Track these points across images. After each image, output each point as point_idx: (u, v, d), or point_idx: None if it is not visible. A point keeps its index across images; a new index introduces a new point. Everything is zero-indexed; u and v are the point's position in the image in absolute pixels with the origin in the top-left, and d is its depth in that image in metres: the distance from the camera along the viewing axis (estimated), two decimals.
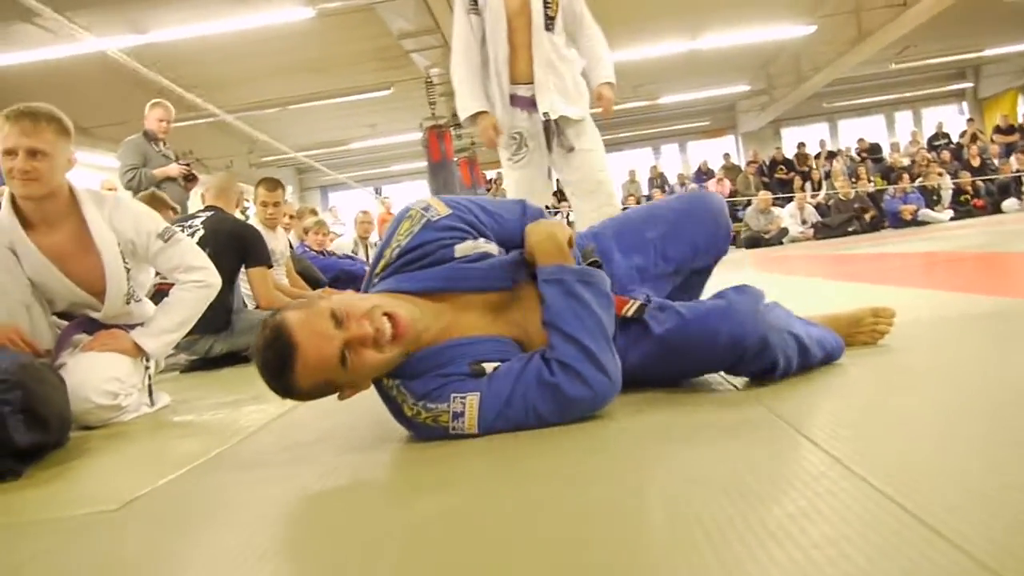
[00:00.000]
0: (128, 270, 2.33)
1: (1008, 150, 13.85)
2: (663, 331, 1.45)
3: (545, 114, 3.14)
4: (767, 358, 1.41)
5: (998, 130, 15.04)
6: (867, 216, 11.97)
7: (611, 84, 3.29)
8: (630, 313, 1.48)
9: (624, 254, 1.66)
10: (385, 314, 1.32)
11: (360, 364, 1.30)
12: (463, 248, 1.47)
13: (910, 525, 0.73)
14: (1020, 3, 11.43)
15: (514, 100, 3.19)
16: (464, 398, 1.34)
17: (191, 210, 5.11)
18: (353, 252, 6.53)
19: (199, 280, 2.45)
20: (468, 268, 1.46)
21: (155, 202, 3.50)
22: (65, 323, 2.36)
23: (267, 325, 1.30)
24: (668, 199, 1.87)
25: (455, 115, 11.88)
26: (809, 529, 0.76)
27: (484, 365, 1.38)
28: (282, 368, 1.27)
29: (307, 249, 5.96)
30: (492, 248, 1.50)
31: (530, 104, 3.18)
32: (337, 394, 1.38)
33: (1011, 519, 0.72)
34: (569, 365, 1.32)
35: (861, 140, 15.68)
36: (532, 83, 3.16)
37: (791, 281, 4.64)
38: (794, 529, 0.76)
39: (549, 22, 3.12)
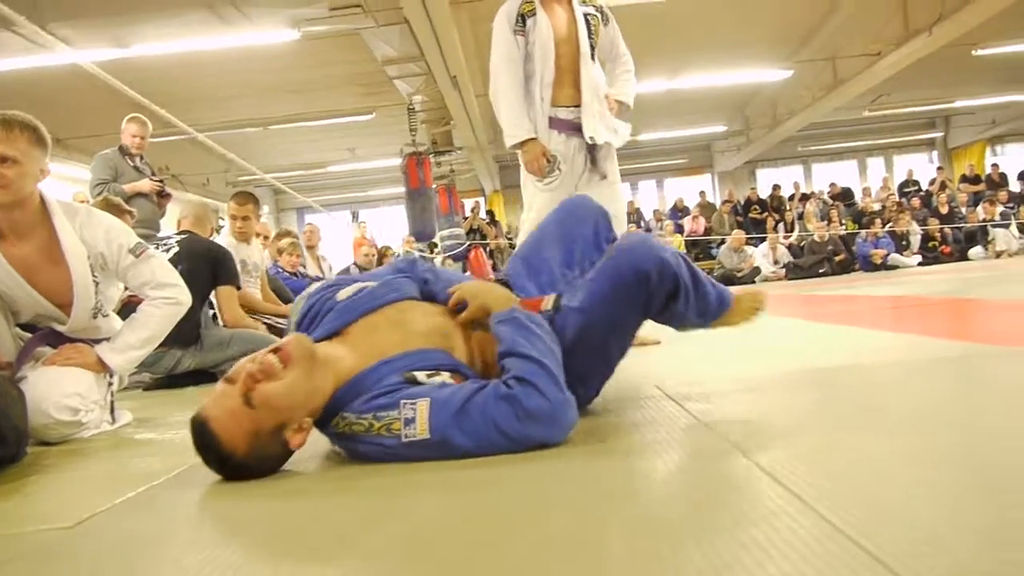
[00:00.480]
0: (97, 284, 2.30)
1: (975, 199, 14.20)
2: (579, 303, 1.56)
3: (591, 138, 3.19)
4: (668, 276, 1.50)
5: (965, 179, 15.44)
6: (837, 258, 12.17)
7: (622, 104, 3.33)
8: (549, 306, 1.60)
9: (532, 280, 1.80)
10: (270, 351, 1.38)
11: (263, 397, 1.34)
12: (344, 292, 1.63)
13: (869, 566, 0.73)
14: (989, 58, 11.81)
15: (552, 122, 3.21)
16: (414, 403, 1.36)
17: (164, 229, 5.10)
18: (302, 265, 6.56)
19: (169, 297, 2.41)
20: (355, 299, 1.59)
21: (109, 207, 3.45)
22: (29, 335, 2.32)
23: None
24: (544, 219, 2.03)
25: (435, 142, 11.98)
26: (766, 564, 0.76)
27: (416, 374, 1.42)
28: (209, 443, 1.37)
29: (280, 270, 5.94)
30: (371, 284, 1.64)
31: (569, 127, 3.21)
32: (292, 449, 1.41)
33: (975, 566, 0.72)
34: (526, 379, 1.36)
35: (833, 185, 15.99)
36: (574, 106, 3.20)
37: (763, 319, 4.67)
38: (751, 563, 0.77)
39: (592, 51, 3.21)
